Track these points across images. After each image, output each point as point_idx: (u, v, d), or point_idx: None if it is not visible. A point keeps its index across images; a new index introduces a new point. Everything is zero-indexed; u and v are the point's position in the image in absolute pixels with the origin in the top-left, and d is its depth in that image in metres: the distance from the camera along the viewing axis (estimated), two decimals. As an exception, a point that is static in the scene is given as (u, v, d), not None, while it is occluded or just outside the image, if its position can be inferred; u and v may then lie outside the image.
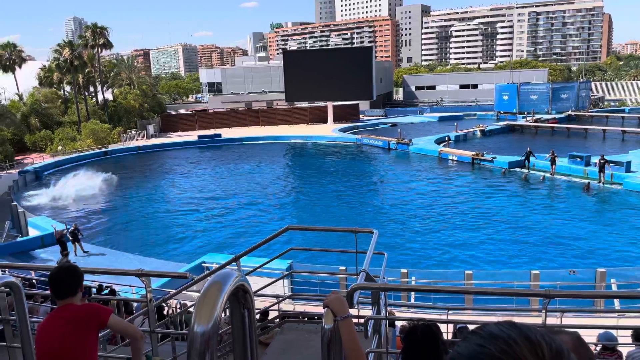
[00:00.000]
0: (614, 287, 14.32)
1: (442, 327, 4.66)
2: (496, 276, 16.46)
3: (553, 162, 32.33)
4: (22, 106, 57.71)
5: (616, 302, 11.95)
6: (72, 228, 21.02)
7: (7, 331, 4.58)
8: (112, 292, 10.97)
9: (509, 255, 19.95)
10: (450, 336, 6.87)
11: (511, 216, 25.03)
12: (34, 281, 10.66)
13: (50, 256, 20.95)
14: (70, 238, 20.74)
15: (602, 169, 29.75)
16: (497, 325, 0.97)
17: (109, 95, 66.32)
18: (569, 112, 63.09)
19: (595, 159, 31.17)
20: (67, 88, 62.72)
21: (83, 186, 34.65)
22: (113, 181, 36.52)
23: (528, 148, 34.84)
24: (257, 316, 7.20)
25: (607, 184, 29.69)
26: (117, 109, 62.66)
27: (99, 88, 64.46)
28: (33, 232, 23.33)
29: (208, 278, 1.72)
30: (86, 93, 62.12)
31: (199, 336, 1.31)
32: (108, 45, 60.21)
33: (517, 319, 1.07)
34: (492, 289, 4.05)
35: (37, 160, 46.57)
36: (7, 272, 7.96)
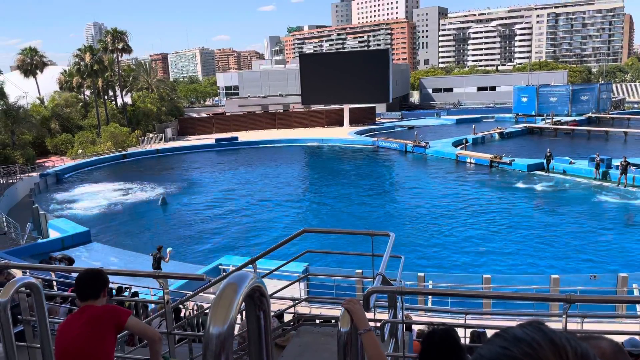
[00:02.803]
0: (636, 293, 14.04)
1: (460, 332, 4.60)
2: (515, 281, 16.23)
3: (625, 170, 29.26)
4: (44, 110, 58.73)
5: (638, 307, 11.73)
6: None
7: (27, 332, 4.65)
8: (134, 294, 11.08)
9: (528, 260, 19.68)
10: (467, 341, 6.79)
11: (530, 219, 24.71)
12: (54, 282, 10.80)
13: (70, 258, 21.22)
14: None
15: (624, 171, 29.21)
16: (521, 328, 0.96)
17: (127, 99, 67.18)
18: (589, 114, 62.18)
19: (616, 162, 30.67)
20: (87, 92, 63.69)
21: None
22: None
23: (548, 150, 34.44)
24: (275, 319, 7.20)
25: (628, 186, 29.18)
26: (135, 113, 63.45)
27: (118, 92, 65.34)
28: (53, 234, 23.67)
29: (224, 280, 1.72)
30: (105, 97, 62.96)
31: (214, 337, 1.30)
32: (127, 49, 60.96)
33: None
34: (510, 293, 3.99)
35: (57, 163, 47.34)
36: (27, 273, 8.08)
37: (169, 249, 18.40)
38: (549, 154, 33.99)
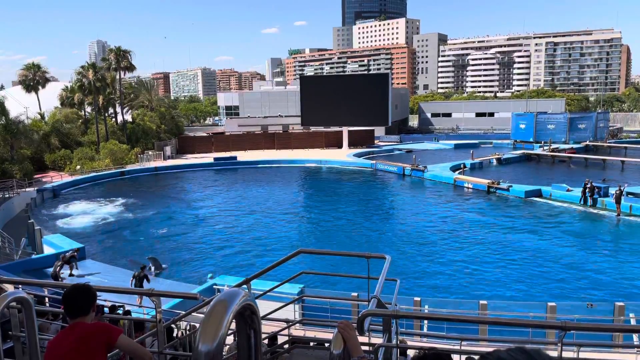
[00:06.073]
0: (633, 322, 13.93)
1: (455, 358, 4.54)
2: (511, 307, 16.12)
3: (619, 199, 29.31)
4: (44, 125, 58.85)
5: (635, 337, 11.63)
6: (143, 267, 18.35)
7: (16, 348, 4.58)
8: (127, 313, 10.93)
9: (525, 287, 19.57)
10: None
11: (527, 246, 24.63)
12: (46, 298, 10.68)
13: (64, 274, 21.03)
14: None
15: (618, 200, 29.25)
16: (507, 350, 0.96)
17: (128, 117, 67.42)
18: (587, 142, 62.58)
19: (612, 190, 30.75)
20: (88, 109, 63.92)
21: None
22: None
23: (587, 180, 32.59)
24: (266, 341, 7.12)
25: (624, 215, 29.20)
26: (135, 130, 63.63)
27: (118, 109, 65.60)
28: (48, 250, 23.49)
29: (216, 298, 1.69)
30: (106, 114, 63.19)
31: (203, 355, 1.27)
32: (130, 68, 61.45)
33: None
34: (507, 319, 3.95)
35: (55, 179, 47.23)
36: (20, 289, 7.98)
37: (164, 265, 18.52)
38: (589, 184, 31.77)
